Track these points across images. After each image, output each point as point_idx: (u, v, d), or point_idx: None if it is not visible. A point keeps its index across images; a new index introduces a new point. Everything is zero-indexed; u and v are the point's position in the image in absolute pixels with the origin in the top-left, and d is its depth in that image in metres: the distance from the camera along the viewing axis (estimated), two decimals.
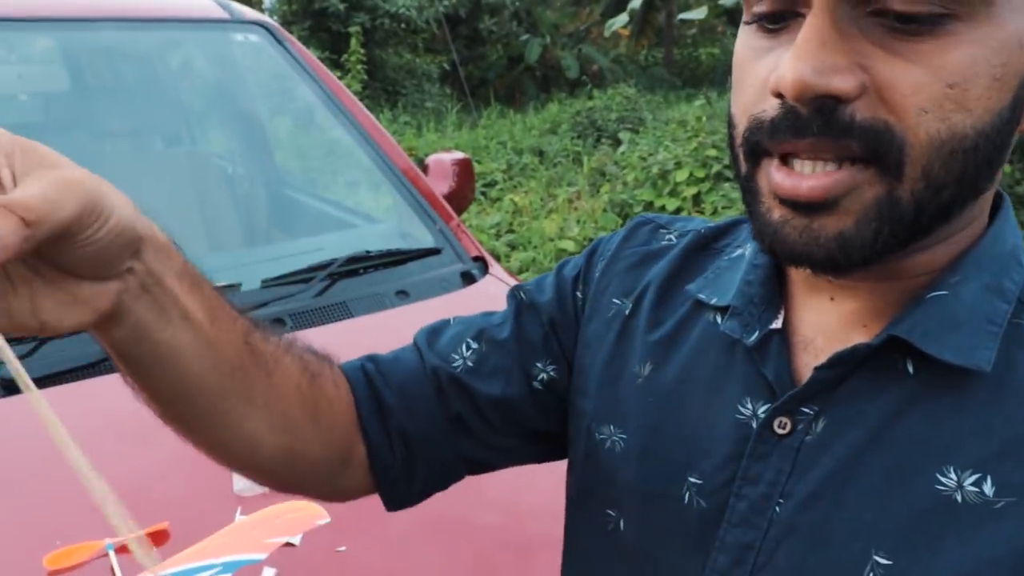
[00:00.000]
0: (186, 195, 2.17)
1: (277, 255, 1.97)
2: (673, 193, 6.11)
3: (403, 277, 1.86)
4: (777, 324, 0.61)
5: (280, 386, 0.65)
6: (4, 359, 0.45)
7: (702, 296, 0.67)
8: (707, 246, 0.72)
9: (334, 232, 2.22)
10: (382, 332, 1.62)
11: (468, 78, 12.36)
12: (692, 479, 0.62)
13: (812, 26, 0.49)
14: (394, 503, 0.77)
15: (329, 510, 1.21)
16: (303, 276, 1.78)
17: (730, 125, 0.57)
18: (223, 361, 0.60)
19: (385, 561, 1.20)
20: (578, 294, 0.76)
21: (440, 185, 2.29)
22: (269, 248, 2.15)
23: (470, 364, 0.74)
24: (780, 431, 0.58)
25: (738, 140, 0.56)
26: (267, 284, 1.75)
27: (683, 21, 12.57)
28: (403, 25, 12.04)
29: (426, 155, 2.61)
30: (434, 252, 1.96)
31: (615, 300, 0.73)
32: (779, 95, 0.51)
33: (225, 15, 2.29)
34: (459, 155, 2.46)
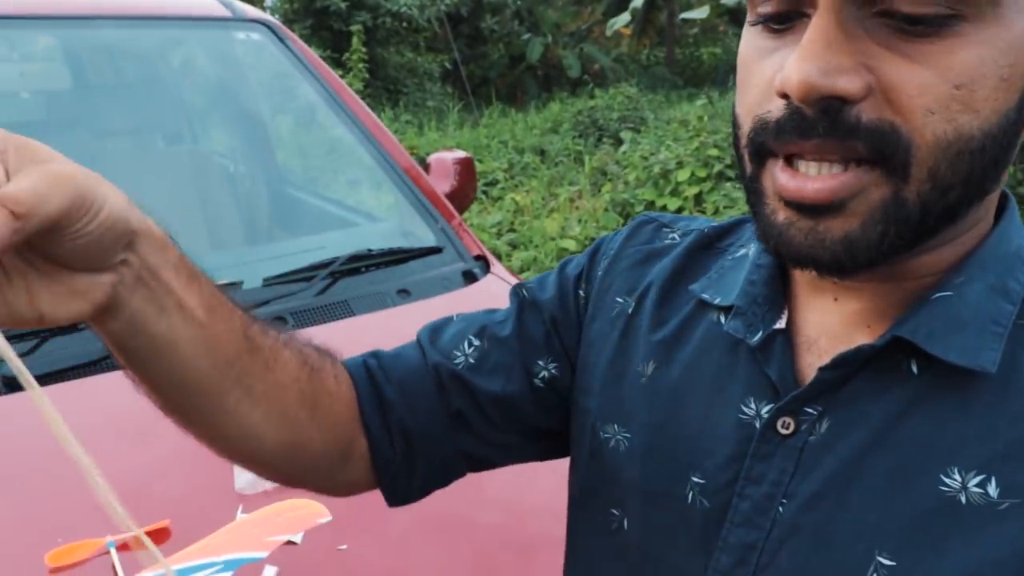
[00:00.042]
0: (188, 193, 2.17)
1: (279, 253, 1.97)
2: (675, 193, 6.11)
3: (405, 276, 1.86)
4: (781, 324, 0.61)
5: (279, 379, 0.66)
6: (5, 357, 0.45)
7: (705, 296, 0.67)
8: (710, 245, 0.72)
9: (336, 231, 2.22)
10: (383, 331, 1.62)
11: (469, 77, 12.36)
12: (695, 479, 0.62)
13: (818, 27, 0.49)
14: (395, 498, 0.77)
15: (330, 508, 1.21)
16: (305, 274, 1.78)
17: (735, 125, 0.57)
18: (221, 354, 0.60)
19: (386, 560, 1.20)
20: (580, 292, 0.76)
21: (442, 184, 2.29)
22: (271, 246, 2.15)
23: (472, 361, 0.75)
24: (784, 431, 0.58)
25: (743, 141, 0.56)
26: (269, 282, 1.75)
27: (685, 20, 12.57)
28: (405, 24, 12.05)
29: (427, 154, 2.61)
30: (436, 251, 1.96)
31: (618, 299, 0.73)
32: (784, 96, 0.51)
33: (227, 13, 2.29)
34: (461, 154, 2.46)
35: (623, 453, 0.67)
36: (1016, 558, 0.50)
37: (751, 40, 0.56)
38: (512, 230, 6.13)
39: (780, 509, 0.57)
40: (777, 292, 0.63)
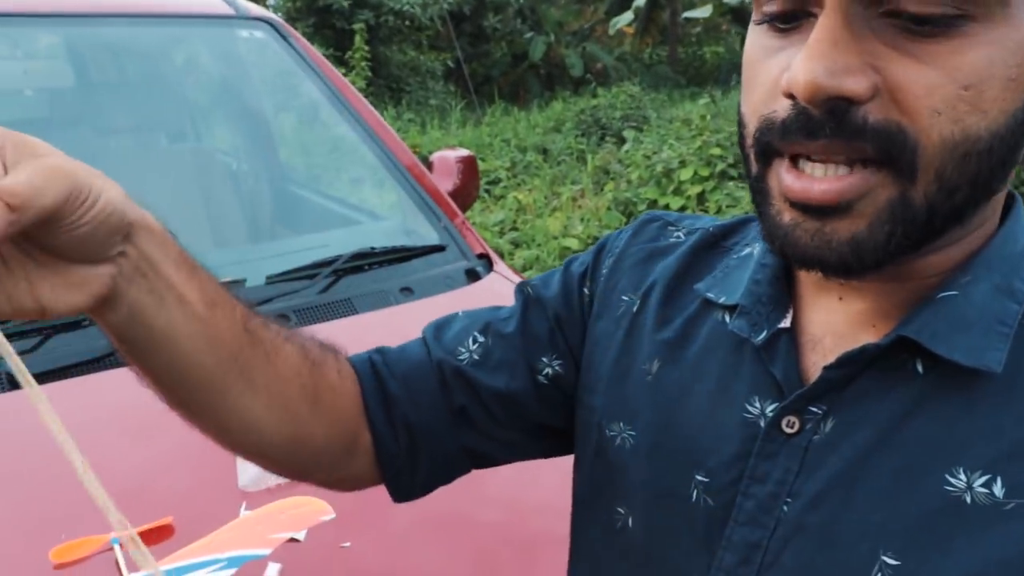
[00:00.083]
0: (191, 191, 2.17)
1: (282, 251, 1.98)
2: (677, 192, 6.11)
3: (408, 274, 1.86)
4: (785, 323, 0.61)
5: (280, 372, 0.66)
6: (4, 354, 0.46)
7: (710, 295, 0.67)
8: (716, 244, 0.72)
9: (339, 229, 2.22)
10: (386, 329, 1.62)
11: (472, 75, 12.36)
12: (699, 477, 0.62)
13: (824, 27, 0.49)
14: (399, 494, 0.78)
15: (333, 506, 1.21)
16: (308, 272, 1.78)
17: (740, 125, 0.57)
18: (222, 347, 0.61)
19: (389, 557, 1.20)
20: (585, 291, 0.76)
21: (445, 182, 2.29)
22: (274, 244, 2.15)
23: (475, 357, 0.75)
24: (788, 430, 0.58)
25: (748, 140, 0.56)
26: (272, 280, 1.75)
27: (688, 19, 12.57)
28: (407, 22, 12.05)
29: (430, 152, 2.61)
30: (439, 249, 1.96)
31: (624, 297, 0.73)
32: (791, 96, 0.51)
33: (230, 11, 2.29)
34: (464, 152, 2.46)
35: (628, 451, 0.67)
36: (1022, 558, 0.50)
37: (757, 39, 0.55)
38: (514, 229, 6.13)
39: (784, 508, 0.57)
40: (782, 291, 0.63)
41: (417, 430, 0.75)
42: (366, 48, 10.33)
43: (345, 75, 7.41)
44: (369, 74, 10.38)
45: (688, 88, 13.37)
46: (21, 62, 2.24)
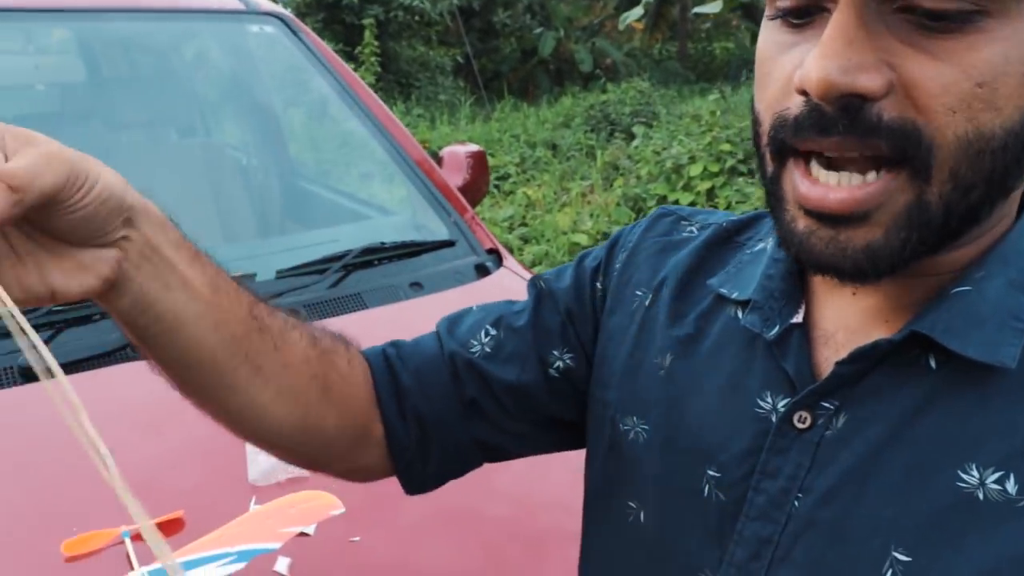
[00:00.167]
0: (201, 186, 2.17)
1: (292, 246, 1.98)
2: (687, 187, 6.09)
3: (417, 269, 1.86)
4: (798, 318, 0.61)
5: (288, 359, 0.67)
6: (33, 346, 0.46)
7: (723, 290, 0.67)
8: (729, 239, 0.71)
9: (349, 223, 2.23)
10: (396, 324, 1.62)
11: (481, 71, 12.35)
12: (711, 472, 0.62)
13: (838, 23, 0.48)
14: (411, 485, 0.79)
15: (344, 501, 1.21)
16: (318, 267, 1.78)
17: (755, 123, 0.57)
18: (228, 332, 0.63)
19: (399, 552, 1.21)
20: (598, 285, 0.76)
21: (454, 177, 2.29)
22: (284, 239, 2.15)
23: (487, 350, 0.76)
24: (800, 425, 0.58)
25: (763, 139, 0.55)
26: (282, 275, 1.75)
27: (697, 15, 12.52)
28: (417, 17, 12.05)
29: (439, 148, 2.61)
30: (448, 244, 1.96)
31: (638, 292, 0.73)
32: (804, 92, 0.50)
33: (241, 6, 2.29)
34: (473, 147, 2.45)
35: (642, 445, 0.67)
36: None
37: (770, 35, 0.55)
38: (524, 224, 6.13)
39: (796, 503, 0.57)
40: (794, 286, 0.62)
41: (428, 422, 0.75)
42: (376, 43, 10.34)
43: (355, 70, 7.40)
44: (379, 69, 10.39)
45: (698, 84, 13.33)
46: (33, 57, 2.25)
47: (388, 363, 0.76)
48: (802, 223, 0.53)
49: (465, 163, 2.37)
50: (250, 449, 1.29)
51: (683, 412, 0.65)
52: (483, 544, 1.26)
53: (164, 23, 2.26)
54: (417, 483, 0.78)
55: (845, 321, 0.60)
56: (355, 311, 1.69)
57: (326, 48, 2.36)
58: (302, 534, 1.18)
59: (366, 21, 10.57)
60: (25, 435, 1.32)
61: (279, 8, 2.41)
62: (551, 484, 1.31)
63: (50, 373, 0.45)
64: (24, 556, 1.13)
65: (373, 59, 10.23)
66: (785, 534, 0.57)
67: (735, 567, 0.59)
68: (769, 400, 0.60)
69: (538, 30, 14.10)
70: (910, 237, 0.51)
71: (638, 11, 10.07)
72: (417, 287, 1.80)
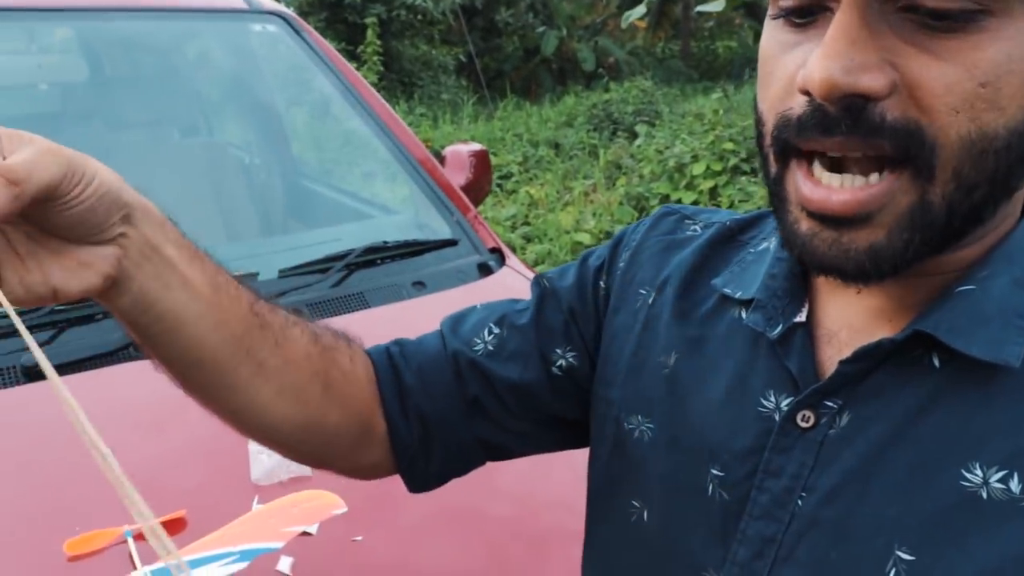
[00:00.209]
0: (204, 185, 2.17)
1: (294, 245, 1.98)
2: (690, 186, 6.09)
3: (420, 268, 1.86)
4: (801, 317, 0.61)
5: (290, 356, 0.68)
6: (31, 348, 0.46)
7: (727, 290, 0.67)
8: (732, 238, 0.71)
9: (351, 223, 2.23)
10: (399, 323, 1.62)
11: (484, 70, 12.35)
12: (715, 471, 0.62)
13: (841, 23, 0.48)
14: (414, 483, 0.79)
15: (346, 500, 1.21)
16: (320, 266, 1.78)
17: (758, 123, 0.57)
18: (229, 329, 0.63)
19: (401, 551, 1.21)
20: (601, 284, 0.76)
21: (457, 176, 2.29)
22: (286, 238, 2.15)
23: (490, 348, 0.76)
24: (803, 424, 0.58)
25: (767, 139, 0.55)
26: (284, 274, 1.75)
27: (700, 13, 12.50)
28: (419, 16, 12.05)
29: (442, 147, 2.61)
30: (451, 243, 1.96)
31: (641, 290, 0.73)
32: (806, 92, 0.50)
33: (243, 5, 2.29)
34: (476, 146, 2.45)
35: (647, 443, 0.67)
36: None
37: (773, 34, 0.55)
38: (527, 223, 6.13)
39: (799, 502, 0.57)
40: (798, 285, 0.62)
41: (431, 421, 0.75)
42: (378, 42, 10.34)
43: (357, 69, 7.40)
44: (381, 68, 10.38)
45: (701, 83, 13.32)
46: (36, 56, 2.26)
47: (391, 361, 0.76)
48: (805, 225, 0.53)
49: (468, 162, 2.37)
50: (253, 448, 1.29)
51: (687, 411, 0.65)
52: (485, 543, 1.26)
53: (167, 22, 2.26)
54: (420, 481, 0.78)
55: (849, 320, 0.59)
56: (358, 310, 1.69)
57: (329, 47, 2.36)
58: (304, 533, 1.18)
59: (368, 20, 10.57)
60: (28, 434, 1.32)
61: (282, 7, 2.42)
62: (553, 483, 1.31)
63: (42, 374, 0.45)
64: (27, 555, 1.14)
65: (376, 58, 10.22)
66: (789, 533, 0.57)
67: (738, 566, 0.59)
68: (772, 399, 0.60)
69: (541, 29, 14.10)
70: (913, 238, 0.51)
71: (641, 9, 10.06)
72: (420, 286, 1.80)
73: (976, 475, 0.52)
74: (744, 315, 0.64)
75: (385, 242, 1.89)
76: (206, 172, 2.22)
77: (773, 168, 0.56)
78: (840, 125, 0.49)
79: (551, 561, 1.21)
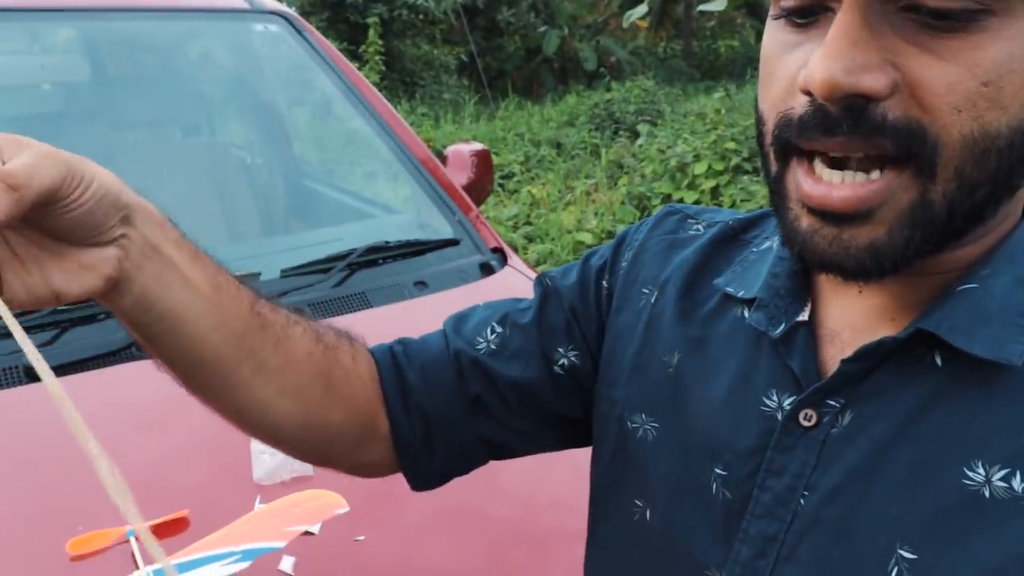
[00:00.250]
0: (205, 185, 2.17)
1: (296, 245, 1.98)
2: (692, 186, 6.09)
3: (422, 268, 1.86)
4: (803, 316, 0.61)
5: (291, 354, 0.68)
6: (23, 347, 0.47)
7: (730, 289, 0.67)
8: (735, 238, 0.71)
9: (353, 222, 2.23)
10: (401, 323, 1.62)
11: (486, 69, 12.35)
12: (718, 470, 0.62)
13: (842, 23, 0.48)
14: (417, 482, 0.79)
15: (348, 500, 1.21)
16: (322, 266, 1.78)
17: (759, 122, 0.57)
18: (230, 328, 0.63)
19: (403, 551, 1.21)
20: (604, 284, 0.76)
21: (459, 176, 2.29)
22: (288, 238, 2.15)
23: (492, 347, 0.76)
24: (806, 423, 0.58)
25: (768, 138, 0.55)
26: (286, 274, 1.75)
27: (702, 13, 12.50)
28: (421, 16, 12.05)
29: (443, 146, 2.61)
30: (453, 243, 1.96)
31: (644, 290, 0.73)
32: (808, 92, 0.50)
33: (245, 5, 2.29)
34: (478, 146, 2.45)
35: (651, 443, 0.67)
36: None
37: (774, 34, 0.55)
38: (528, 223, 6.12)
39: (801, 501, 0.57)
40: (800, 284, 0.62)
41: (433, 419, 0.76)
42: (380, 42, 10.34)
43: (359, 69, 7.40)
44: (383, 68, 10.38)
45: (702, 82, 13.32)
46: (38, 57, 2.26)
47: (395, 361, 0.77)
48: (805, 221, 0.53)
49: (469, 162, 2.37)
50: (255, 448, 1.29)
51: (690, 411, 0.65)
52: (487, 543, 1.26)
53: (169, 22, 2.27)
54: (422, 480, 0.79)
55: (851, 319, 0.59)
56: (360, 310, 1.69)
57: (330, 47, 2.36)
58: (307, 533, 1.18)
59: (370, 20, 10.58)
60: (31, 434, 1.32)
61: (283, 7, 2.42)
62: (555, 483, 1.31)
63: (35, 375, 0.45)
64: (30, 555, 1.14)
65: (377, 58, 10.22)
66: (791, 532, 0.57)
67: (741, 565, 0.59)
68: (775, 398, 0.60)
69: (542, 28, 14.10)
70: (914, 235, 0.51)
71: (642, 9, 10.07)
72: (422, 286, 1.81)
73: (978, 474, 0.52)
74: (746, 314, 0.64)
75: (387, 242, 1.89)
76: (208, 172, 2.22)
77: (774, 167, 0.56)
78: (841, 125, 0.50)
79: (553, 561, 1.21)
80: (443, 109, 10.79)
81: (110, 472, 0.44)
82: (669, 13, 15.11)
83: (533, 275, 1.87)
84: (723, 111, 6.93)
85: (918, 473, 0.54)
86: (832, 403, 0.57)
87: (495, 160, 6.29)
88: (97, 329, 1.49)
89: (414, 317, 1.64)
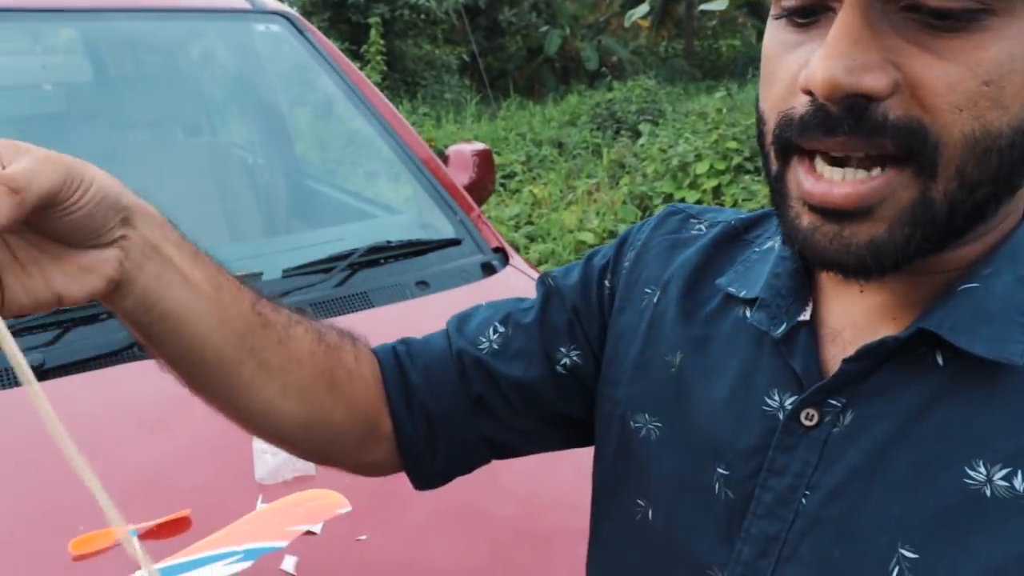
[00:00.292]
0: (207, 185, 2.18)
1: (298, 245, 1.98)
2: (693, 185, 6.09)
3: (423, 267, 1.86)
4: (805, 316, 0.61)
5: (293, 354, 0.68)
6: (5, 349, 0.47)
7: (731, 289, 0.67)
8: (737, 237, 0.72)
9: (355, 222, 2.23)
10: (402, 322, 1.62)
11: (487, 69, 12.35)
12: (720, 470, 0.62)
13: (843, 23, 0.48)
14: (420, 481, 0.79)
15: (350, 499, 1.21)
16: (324, 266, 1.78)
17: (759, 122, 0.57)
18: (232, 328, 0.64)
19: (405, 550, 1.21)
20: (606, 283, 0.76)
21: (460, 176, 2.29)
22: (290, 238, 2.16)
23: (495, 347, 0.76)
24: (807, 423, 0.58)
25: (768, 138, 0.55)
26: (288, 274, 1.75)
27: (703, 12, 12.49)
28: (422, 16, 12.04)
29: (445, 146, 2.61)
30: (454, 243, 1.96)
31: (647, 289, 0.73)
32: (809, 92, 0.50)
33: (246, 5, 2.29)
34: (480, 146, 2.45)
35: (654, 442, 0.67)
36: None
37: (775, 34, 0.55)
38: (530, 223, 6.12)
39: (803, 501, 0.57)
40: (802, 284, 0.62)
41: (436, 419, 0.76)
42: (381, 42, 10.33)
43: (360, 69, 7.39)
44: (384, 68, 10.38)
45: (704, 82, 13.31)
46: (40, 57, 2.26)
47: (398, 360, 0.77)
48: (806, 219, 0.53)
49: (471, 161, 2.37)
50: (257, 448, 1.29)
51: (693, 410, 0.65)
52: (490, 543, 1.26)
53: (170, 22, 2.27)
54: (425, 479, 0.79)
55: (852, 319, 0.59)
56: (361, 310, 1.69)
57: (332, 47, 2.36)
58: (309, 532, 1.18)
59: (372, 20, 10.57)
60: (32, 434, 1.32)
61: (285, 7, 2.42)
62: (557, 482, 1.31)
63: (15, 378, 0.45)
64: (32, 555, 1.14)
65: (379, 58, 10.22)
66: (792, 532, 0.57)
67: (742, 565, 0.59)
68: (776, 398, 0.60)
69: (544, 28, 14.09)
70: (914, 233, 0.51)
71: (644, 8, 10.05)
72: (423, 286, 1.81)
73: (979, 473, 0.52)
74: (748, 314, 0.64)
75: (389, 242, 1.89)
76: (210, 172, 2.22)
77: (774, 166, 0.56)
78: (842, 125, 0.50)
79: (555, 560, 1.21)
80: (445, 109, 10.78)
81: (89, 472, 0.45)
82: (671, 13, 15.11)
83: (535, 275, 1.87)
84: (724, 110, 6.92)
85: (919, 472, 0.54)
86: (834, 402, 0.57)
87: (496, 160, 6.28)
88: (99, 329, 1.49)
89: (416, 317, 1.64)
